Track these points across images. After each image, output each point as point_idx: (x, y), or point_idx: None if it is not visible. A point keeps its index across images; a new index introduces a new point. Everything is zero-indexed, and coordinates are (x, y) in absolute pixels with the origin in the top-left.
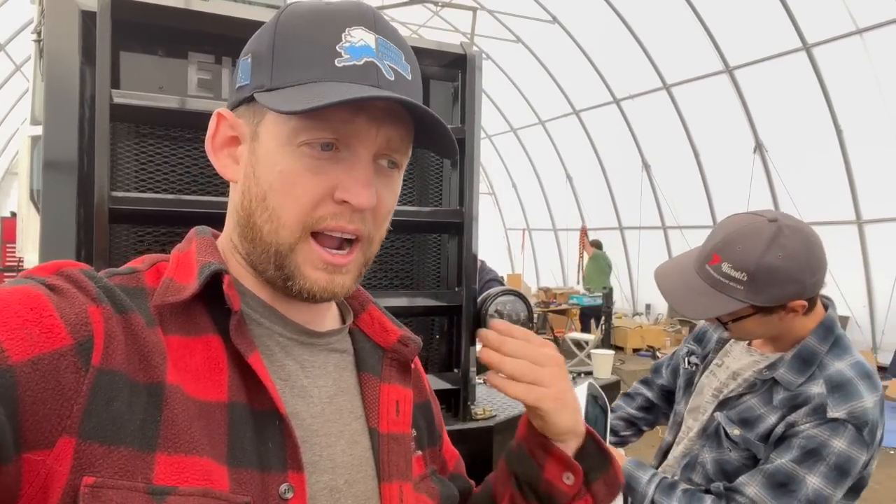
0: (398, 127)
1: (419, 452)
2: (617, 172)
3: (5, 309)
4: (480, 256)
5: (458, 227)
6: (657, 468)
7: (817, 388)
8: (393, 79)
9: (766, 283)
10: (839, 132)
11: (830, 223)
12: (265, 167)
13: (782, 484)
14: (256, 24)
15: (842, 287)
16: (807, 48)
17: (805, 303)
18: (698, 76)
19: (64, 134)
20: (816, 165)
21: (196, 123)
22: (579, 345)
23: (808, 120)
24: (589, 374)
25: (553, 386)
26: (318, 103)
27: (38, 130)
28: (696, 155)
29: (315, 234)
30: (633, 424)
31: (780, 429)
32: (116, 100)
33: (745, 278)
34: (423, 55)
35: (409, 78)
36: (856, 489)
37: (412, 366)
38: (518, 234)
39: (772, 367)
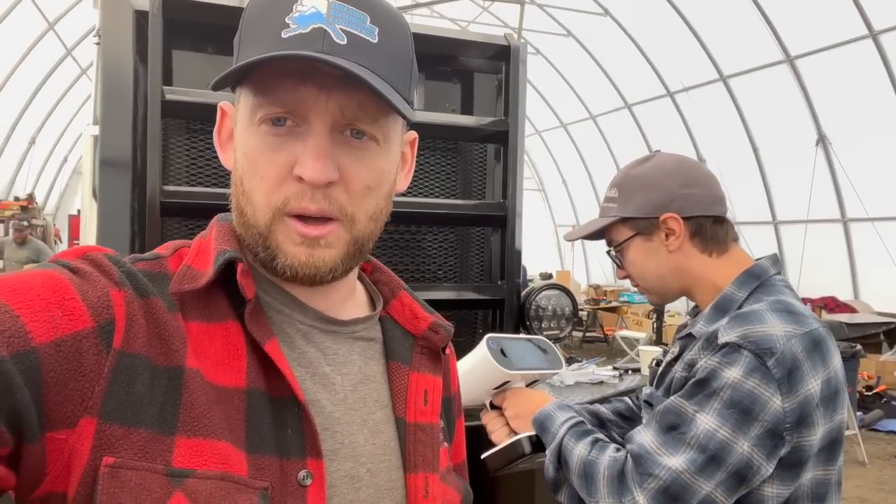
0: (353, 94)
1: (446, 445)
2: None
3: (28, 292)
4: (526, 253)
5: (502, 221)
6: None
7: (719, 324)
8: (344, 42)
9: (631, 190)
10: None
11: None
12: (238, 151)
13: (672, 426)
14: None
15: None
16: (873, 35)
17: (681, 220)
18: (757, 66)
19: (119, 131)
20: (884, 158)
21: None
22: (630, 343)
23: (874, 110)
24: (637, 370)
25: None
26: (226, 72)
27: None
28: (755, 149)
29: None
30: (601, 425)
31: (680, 373)
32: (168, 97)
33: (617, 194)
34: (467, 47)
35: (375, 41)
36: (793, 464)
37: (446, 353)
38: (568, 231)
39: (691, 325)
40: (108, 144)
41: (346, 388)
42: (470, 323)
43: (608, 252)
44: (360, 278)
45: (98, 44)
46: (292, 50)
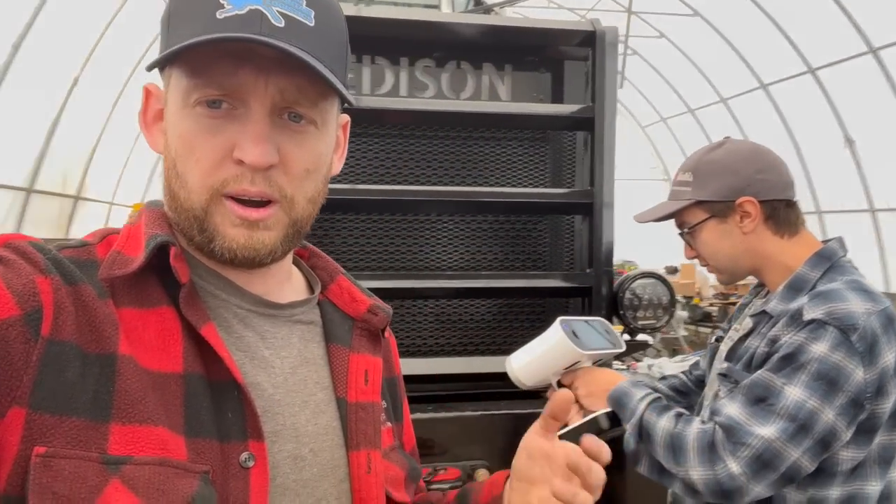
0: (292, 77)
1: (389, 424)
2: (813, 150)
3: None
4: (651, 246)
5: (588, 209)
6: None
7: (799, 303)
8: (282, 25)
9: (707, 175)
10: None
11: None
12: (171, 133)
13: (760, 398)
14: (390, 22)
15: None
16: None
17: (757, 203)
18: None
19: None
20: None
21: None
22: None
23: None
24: None
25: None
26: (164, 54)
27: None
28: None
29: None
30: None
31: (762, 348)
32: None
33: (691, 178)
34: (554, 36)
35: (311, 24)
36: (867, 429)
37: (385, 336)
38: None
39: (765, 303)
40: None
41: (285, 371)
42: (560, 311)
43: (680, 234)
44: (297, 264)
45: None
46: (229, 32)
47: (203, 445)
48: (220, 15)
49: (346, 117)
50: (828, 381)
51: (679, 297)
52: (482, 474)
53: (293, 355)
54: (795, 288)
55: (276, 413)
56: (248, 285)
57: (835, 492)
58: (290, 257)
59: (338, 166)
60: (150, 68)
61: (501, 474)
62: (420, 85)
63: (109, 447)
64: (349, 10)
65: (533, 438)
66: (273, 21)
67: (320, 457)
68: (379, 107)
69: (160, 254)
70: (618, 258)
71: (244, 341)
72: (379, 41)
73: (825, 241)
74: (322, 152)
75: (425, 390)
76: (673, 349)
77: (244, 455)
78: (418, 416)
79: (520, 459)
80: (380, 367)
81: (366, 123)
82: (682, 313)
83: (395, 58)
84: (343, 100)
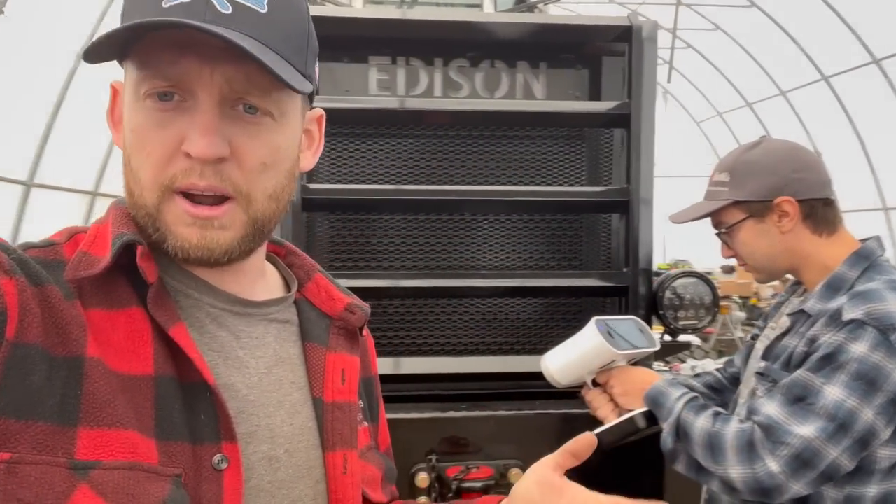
0: (241, 66)
1: (365, 424)
2: (879, 144)
3: None
4: (709, 245)
5: (625, 206)
6: None
7: (838, 303)
8: (229, 12)
9: (745, 175)
10: None
11: None
12: (126, 127)
13: (799, 398)
14: (424, 24)
15: None
16: None
17: (795, 202)
18: None
19: None
20: None
21: (377, 120)
22: None
23: None
24: None
25: None
26: (91, 41)
27: None
28: None
29: (182, 194)
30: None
31: (801, 348)
32: None
33: (728, 178)
34: (589, 33)
35: (263, 11)
36: None
37: (363, 335)
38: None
39: (803, 302)
40: None
41: (260, 371)
42: (597, 310)
43: (717, 234)
44: (274, 262)
45: None
46: (170, 18)
47: (175, 448)
48: (165, 4)
49: (319, 111)
50: (867, 381)
51: (736, 298)
52: (515, 473)
53: (268, 355)
54: (834, 287)
55: (251, 414)
56: (220, 283)
57: (872, 490)
58: (261, 254)
59: (311, 162)
60: (88, 60)
61: (494, 499)
62: (454, 85)
63: (77, 452)
64: (395, 13)
65: (546, 471)
66: (219, 8)
67: (296, 458)
68: (414, 107)
69: (127, 253)
70: (670, 257)
71: (218, 341)
72: (413, 43)
73: (863, 240)
74: (281, 145)
75: (460, 389)
76: (720, 350)
77: (217, 457)
78: (451, 414)
79: (528, 487)
80: (357, 366)
81: (401, 124)
82: (739, 314)
83: (430, 58)
84: (295, 91)
